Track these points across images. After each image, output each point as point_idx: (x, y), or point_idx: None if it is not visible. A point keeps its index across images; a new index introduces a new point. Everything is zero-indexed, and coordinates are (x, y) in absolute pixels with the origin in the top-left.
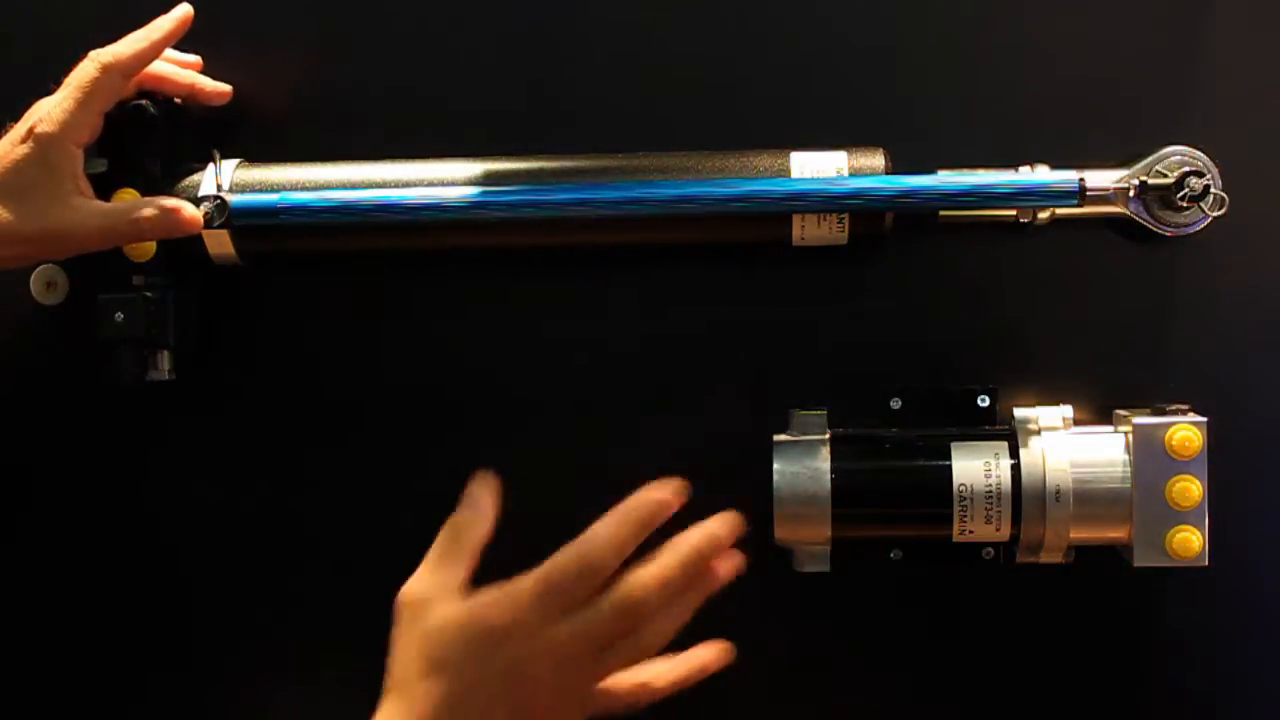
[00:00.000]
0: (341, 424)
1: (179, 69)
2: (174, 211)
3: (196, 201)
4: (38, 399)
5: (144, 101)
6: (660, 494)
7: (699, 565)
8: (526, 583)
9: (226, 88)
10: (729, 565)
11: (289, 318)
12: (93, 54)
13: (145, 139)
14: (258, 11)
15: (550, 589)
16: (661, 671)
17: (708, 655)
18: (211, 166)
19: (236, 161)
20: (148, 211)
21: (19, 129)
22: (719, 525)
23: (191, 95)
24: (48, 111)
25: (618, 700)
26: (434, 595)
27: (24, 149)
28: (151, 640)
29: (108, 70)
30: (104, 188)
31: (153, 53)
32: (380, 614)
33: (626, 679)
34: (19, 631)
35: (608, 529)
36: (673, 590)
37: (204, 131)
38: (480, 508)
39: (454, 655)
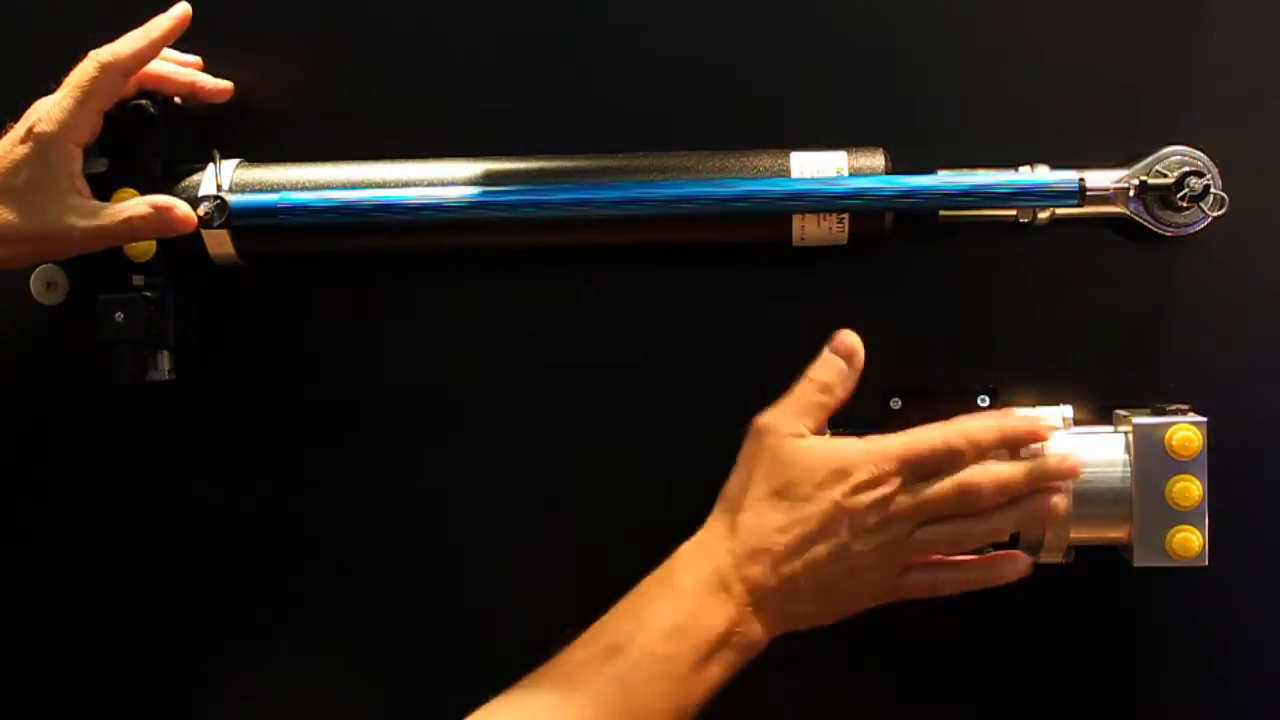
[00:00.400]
0: (341, 424)
1: (179, 68)
2: (167, 210)
3: (196, 202)
4: (38, 399)
5: (144, 101)
6: (1039, 425)
7: (1040, 482)
8: (889, 441)
9: (227, 85)
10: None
11: (289, 318)
12: (92, 54)
13: (145, 139)
14: (257, 11)
15: (908, 453)
16: (959, 571)
17: (1005, 565)
18: (211, 166)
19: (236, 161)
20: (141, 210)
21: (18, 129)
22: (1064, 461)
23: (192, 94)
24: (47, 111)
25: (914, 586)
26: (789, 430)
27: (23, 149)
28: (151, 640)
29: (106, 70)
30: (104, 188)
31: (151, 51)
32: (380, 614)
33: (928, 568)
34: (19, 631)
35: (979, 425)
36: (1010, 494)
37: (204, 131)
38: (841, 369)
39: (799, 483)
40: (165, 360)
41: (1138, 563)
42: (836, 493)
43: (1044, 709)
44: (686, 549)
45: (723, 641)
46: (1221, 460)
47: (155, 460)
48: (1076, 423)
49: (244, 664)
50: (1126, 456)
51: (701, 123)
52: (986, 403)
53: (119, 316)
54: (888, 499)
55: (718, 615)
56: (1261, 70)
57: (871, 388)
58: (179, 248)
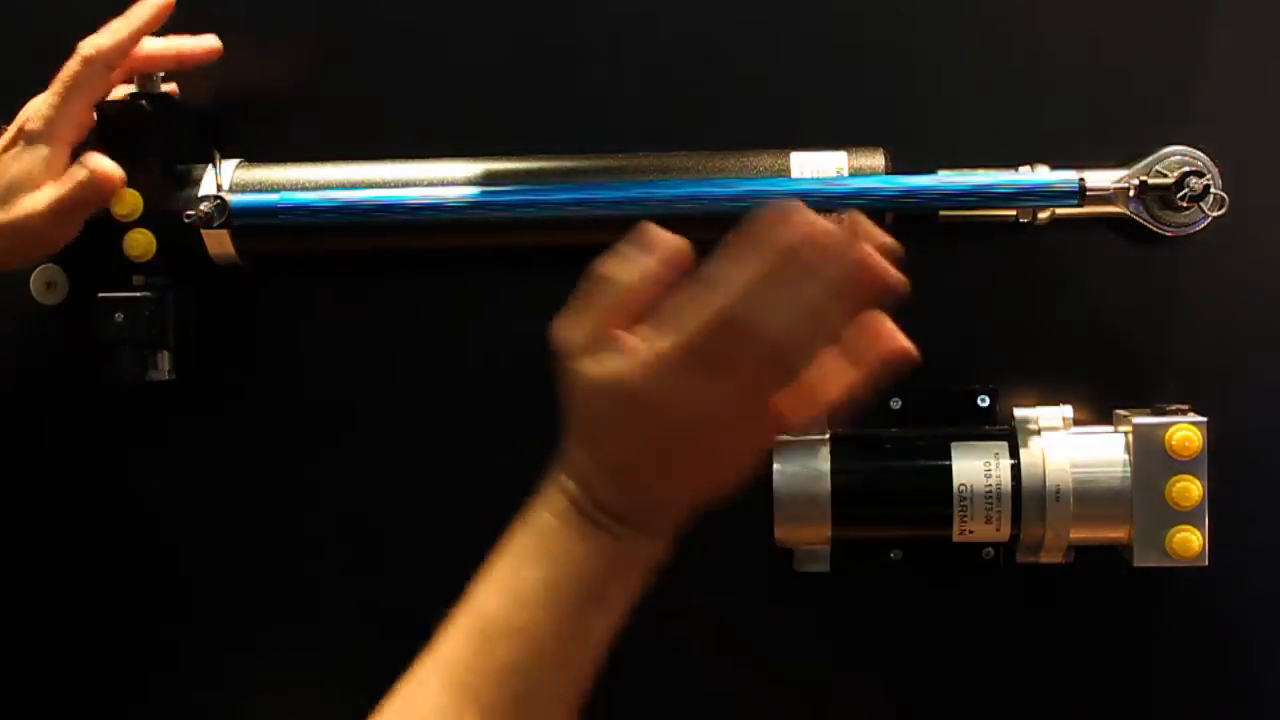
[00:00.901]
0: (341, 424)
1: (163, 42)
2: (93, 170)
3: (196, 202)
4: (38, 399)
5: (144, 102)
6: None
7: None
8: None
9: (214, 41)
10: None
11: (289, 318)
12: (77, 48)
13: (145, 139)
14: (257, 11)
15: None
16: (835, 373)
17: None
18: (211, 166)
19: (236, 161)
20: (78, 173)
21: (11, 129)
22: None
23: (180, 63)
24: (35, 110)
25: (794, 419)
26: (579, 348)
27: (15, 150)
28: (151, 640)
29: (89, 63)
30: None
31: (132, 40)
32: (380, 613)
33: (798, 392)
34: (19, 631)
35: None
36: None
37: (204, 131)
38: (631, 259)
39: (604, 414)
40: (165, 360)
41: (1138, 563)
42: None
43: (1044, 709)
44: (532, 506)
45: (605, 578)
46: (1221, 460)
47: (155, 460)
48: (1076, 423)
49: (244, 664)
50: (1126, 456)
51: (701, 123)
52: (986, 403)
53: (119, 316)
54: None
55: (590, 555)
56: (1261, 70)
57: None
58: (179, 248)
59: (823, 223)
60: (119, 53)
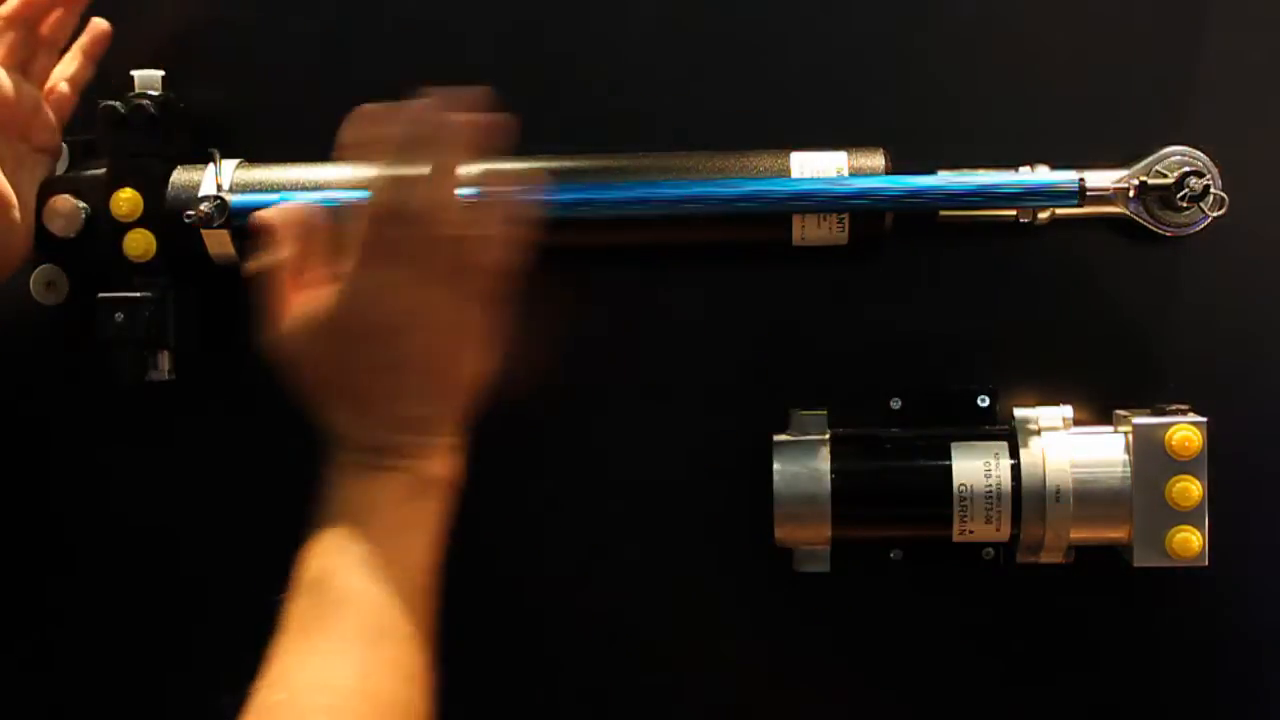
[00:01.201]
0: None
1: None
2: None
3: (196, 201)
4: (38, 399)
5: (144, 102)
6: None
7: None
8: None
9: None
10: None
11: None
12: None
13: (145, 139)
14: (258, 11)
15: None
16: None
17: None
18: (211, 166)
19: (236, 161)
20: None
21: None
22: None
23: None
24: None
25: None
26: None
27: None
28: (151, 640)
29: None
30: (104, 188)
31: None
32: None
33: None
34: (19, 632)
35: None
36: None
37: (204, 131)
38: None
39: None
40: (165, 360)
41: (1138, 563)
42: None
43: (1044, 709)
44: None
45: (402, 508)
46: (1221, 460)
47: (155, 460)
48: (1076, 423)
49: (245, 664)
50: (1126, 456)
51: (701, 123)
52: (986, 403)
53: (119, 316)
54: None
55: (378, 493)
56: (1261, 70)
57: (872, 388)
58: (179, 248)
59: (398, 107)
60: (31, 8)
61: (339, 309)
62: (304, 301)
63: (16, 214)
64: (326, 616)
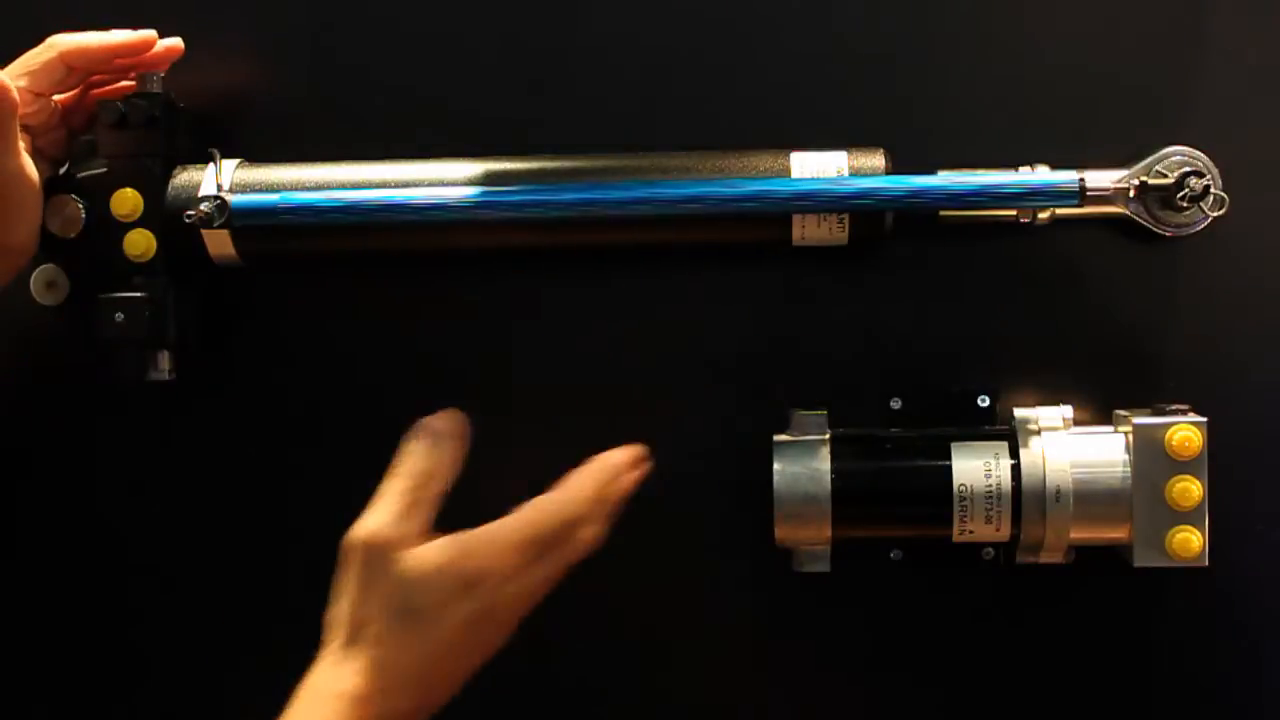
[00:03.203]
0: (341, 424)
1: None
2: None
3: (196, 201)
4: (38, 399)
5: (144, 102)
6: (627, 455)
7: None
8: (509, 533)
9: (176, 42)
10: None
11: (289, 318)
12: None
13: (145, 139)
14: (258, 11)
15: (535, 542)
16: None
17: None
18: (211, 166)
19: (236, 161)
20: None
21: None
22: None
23: (136, 61)
24: None
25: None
26: (396, 540)
27: None
28: (151, 640)
29: (51, 47)
30: (104, 188)
31: (103, 54)
32: None
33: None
34: (18, 632)
35: (585, 483)
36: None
37: (204, 131)
38: (444, 453)
39: (429, 601)
40: (165, 360)
41: (1138, 563)
42: (469, 605)
43: (1044, 709)
44: (305, 697)
45: None
46: (1221, 460)
47: (155, 460)
48: (1076, 423)
49: (243, 664)
50: (1126, 456)
51: (702, 122)
52: (986, 403)
53: (119, 316)
54: (527, 590)
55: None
56: (1261, 70)
57: (872, 388)
58: (179, 248)
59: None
60: (85, 58)
61: (417, 582)
62: (409, 542)
63: (38, 201)
64: None
